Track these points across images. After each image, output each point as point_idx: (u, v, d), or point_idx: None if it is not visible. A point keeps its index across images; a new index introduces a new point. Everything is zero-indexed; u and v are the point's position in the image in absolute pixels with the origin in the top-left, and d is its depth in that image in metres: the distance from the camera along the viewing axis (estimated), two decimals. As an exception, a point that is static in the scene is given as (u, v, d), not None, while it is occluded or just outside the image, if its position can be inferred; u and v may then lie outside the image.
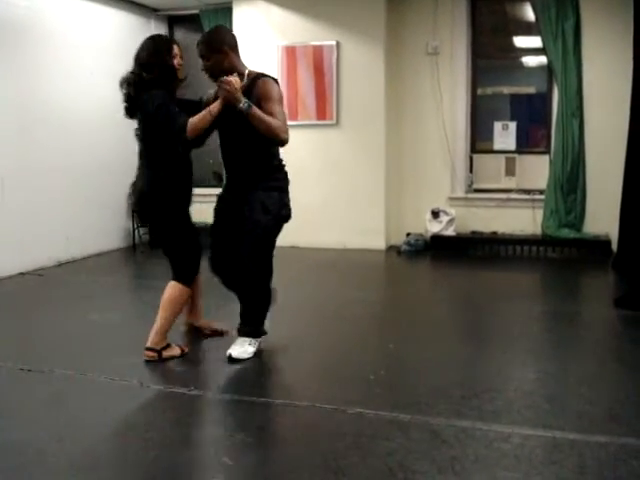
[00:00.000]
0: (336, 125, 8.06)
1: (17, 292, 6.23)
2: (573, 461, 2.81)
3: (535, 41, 7.84)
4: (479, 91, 8.25)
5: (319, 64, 8.01)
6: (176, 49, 4.08)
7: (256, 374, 4.02)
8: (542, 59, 7.88)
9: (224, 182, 4.36)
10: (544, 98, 8.01)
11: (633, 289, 5.67)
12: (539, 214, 7.80)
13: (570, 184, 7.59)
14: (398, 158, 8.21)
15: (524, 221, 7.87)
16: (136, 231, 8.30)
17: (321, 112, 8.08)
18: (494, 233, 7.92)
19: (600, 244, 7.39)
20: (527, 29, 8.13)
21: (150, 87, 3.94)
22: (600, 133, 7.49)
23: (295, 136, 8.03)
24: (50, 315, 5.19)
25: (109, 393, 3.71)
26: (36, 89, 6.91)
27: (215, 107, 3.88)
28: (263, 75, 4.04)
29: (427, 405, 3.44)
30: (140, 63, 3.99)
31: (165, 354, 4.07)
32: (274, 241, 4.23)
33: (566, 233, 7.60)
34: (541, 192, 7.81)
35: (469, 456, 2.87)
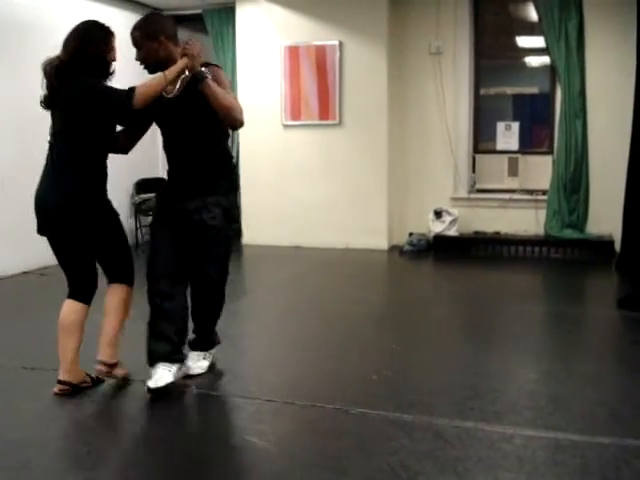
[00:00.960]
0: (339, 125, 8.06)
1: (20, 291, 6.24)
2: (576, 462, 2.82)
3: (538, 41, 7.82)
4: (482, 91, 8.24)
5: (322, 64, 8.01)
6: (113, 41, 3.58)
7: (258, 373, 4.03)
8: (545, 59, 7.87)
9: (168, 182, 3.86)
10: (547, 98, 8.00)
11: (636, 290, 5.66)
12: (542, 214, 7.79)
13: (573, 184, 7.58)
14: (401, 158, 8.20)
15: (527, 221, 7.86)
16: (138, 230, 8.31)
17: (324, 112, 8.08)
18: (497, 233, 7.92)
19: (603, 245, 7.38)
20: (530, 29, 8.11)
21: (76, 75, 3.45)
22: (603, 133, 7.48)
23: (298, 136, 8.19)
24: (53, 314, 5.15)
25: (113, 392, 3.72)
26: (38, 88, 6.90)
27: (173, 71, 3.48)
28: (208, 64, 3.68)
29: (430, 406, 3.44)
30: (69, 52, 3.47)
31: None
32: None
33: (569, 234, 7.59)
34: (544, 192, 7.80)
35: (472, 457, 2.87)
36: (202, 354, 3.95)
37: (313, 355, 4.36)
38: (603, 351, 4.46)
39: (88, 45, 3.47)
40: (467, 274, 7.03)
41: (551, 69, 7.79)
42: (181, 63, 3.50)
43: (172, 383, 3.59)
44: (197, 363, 3.91)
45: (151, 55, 3.58)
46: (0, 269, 6.50)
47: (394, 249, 8.09)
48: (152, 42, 3.56)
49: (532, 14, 7.87)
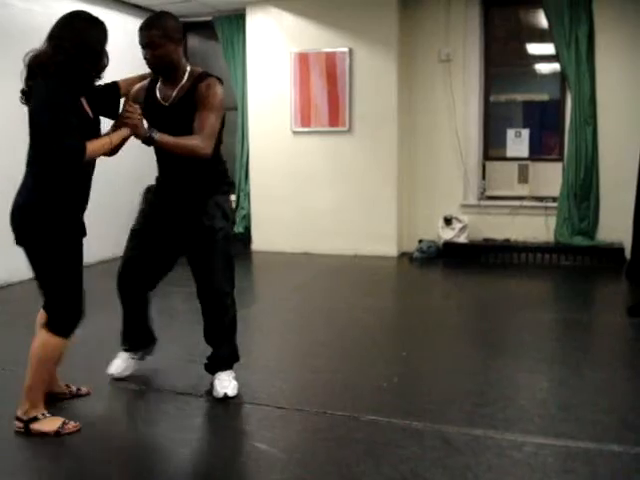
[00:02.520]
0: (349, 132, 8.07)
1: (30, 297, 6.23)
2: (586, 470, 2.80)
3: (548, 48, 7.82)
4: (492, 98, 8.24)
5: (332, 71, 8.03)
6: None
7: (268, 380, 4.02)
8: (555, 66, 7.86)
9: (157, 184, 3.79)
10: (557, 105, 7.98)
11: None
12: (552, 221, 7.78)
13: (583, 191, 7.57)
14: (410, 165, 8.21)
15: (537, 228, 7.85)
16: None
17: (334, 119, 8.09)
18: (507, 240, 7.90)
19: (613, 252, 7.36)
20: (540, 36, 8.11)
21: (51, 74, 3.05)
22: (614, 140, 7.46)
23: (308, 142, 8.21)
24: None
25: (122, 399, 3.73)
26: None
27: (117, 137, 3.22)
28: (207, 75, 3.52)
29: (440, 413, 3.43)
30: (63, 46, 3.09)
31: (34, 427, 3.12)
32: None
33: (579, 241, 7.57)
34: (554, 199, 7.78)
35: (482, 464, 2.86)
36: (230, 372, 3.75)
37: (322, 362, 4.35)
38: (613, 359, 4.44)
39: (94, 46, 3.25)
40: (477, 281, 7.02)
41: (561, 76, 7.77)
42: (124, 132, 3.26)
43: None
44: (232, 382, 3.71)
45: (168, 57, 3.43)
46: (9, 275, 6.51)
47: (403, 256, 8.08)
48: (171, 43, 3.42)
49: (542, 21, 7.86)
